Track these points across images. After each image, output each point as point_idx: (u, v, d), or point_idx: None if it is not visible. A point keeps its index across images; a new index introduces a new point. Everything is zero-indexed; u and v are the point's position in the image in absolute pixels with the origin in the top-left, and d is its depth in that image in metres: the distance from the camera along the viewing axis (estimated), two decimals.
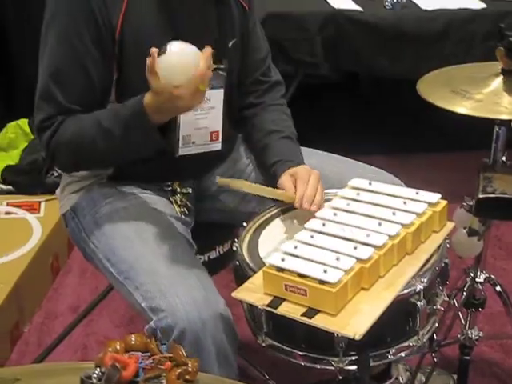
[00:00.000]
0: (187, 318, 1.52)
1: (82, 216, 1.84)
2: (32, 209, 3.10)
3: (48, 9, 1.70)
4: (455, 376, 2.18)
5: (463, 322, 2.13)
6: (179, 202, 1.88)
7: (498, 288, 2.13)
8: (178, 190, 1.90)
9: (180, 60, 1.49)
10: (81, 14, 1.65)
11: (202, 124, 1.77)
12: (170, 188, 1.89)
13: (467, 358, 2.14)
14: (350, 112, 4.00)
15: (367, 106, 4.01)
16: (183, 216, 1.88)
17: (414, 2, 3.29)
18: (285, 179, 1.77)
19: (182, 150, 1.75)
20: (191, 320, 1.52)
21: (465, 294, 2.09)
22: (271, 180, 1.85)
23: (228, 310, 1.60)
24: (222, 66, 1.78)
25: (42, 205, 3.12)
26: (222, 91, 1.78)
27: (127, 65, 1.71)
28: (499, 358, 2.45)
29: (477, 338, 2.11)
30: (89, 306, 2.79)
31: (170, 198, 1.89)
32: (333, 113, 3.97)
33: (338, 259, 1.44)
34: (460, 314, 2.14)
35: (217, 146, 1.79)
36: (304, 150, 1.93)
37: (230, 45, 1.85)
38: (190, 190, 1.92)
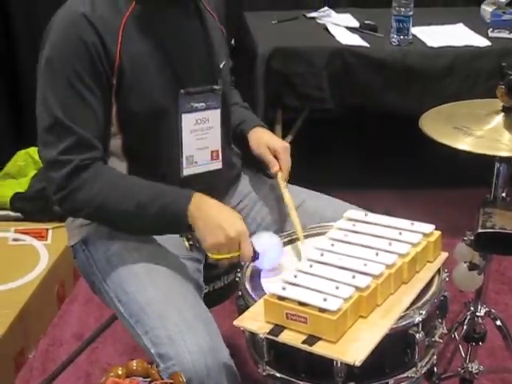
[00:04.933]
0: (193, 367, 1.55)
1: (94, 250, 1.85)
2: (39, 236, 3.12)
3: (44, 52, 1.69)
4: None
5: (463, 355, 2.14)
6: (188, 235, 1.88)
7: (499, 322, 2.14)
8: None
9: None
10: (76, 54, 1.66)
11: (203, 144, 1.84)
12: None
13: None
14: (353, 147, 4.02)
15: (371, 142, 4.03)
16: (193, 251, 1.86)
17: (419, 39, 3.34)
18: (264, 151, 1.91)
19: (187, 171, 1.83)
20: (197, 369, 1.56)
21: (465, 327, 2.11)
22: (239, 139, 2.00)
23: (231, 359, 1.63)
24: (216, 87, 1.84)
25: (50, 232, 3.14)
26: (218, 111, 1.85)
27: (127, 93, 1.72)
28: None
29: (477, 371, 2.12)
30: (93, 333, 2.80)
31: None
32: (335, 147, 3.99)
33: (337, 288, 1.46)
34: (460, 347, 2.15)
35: (218, 164, 1.88)
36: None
37: (221, 66, 1.89)
38: None
